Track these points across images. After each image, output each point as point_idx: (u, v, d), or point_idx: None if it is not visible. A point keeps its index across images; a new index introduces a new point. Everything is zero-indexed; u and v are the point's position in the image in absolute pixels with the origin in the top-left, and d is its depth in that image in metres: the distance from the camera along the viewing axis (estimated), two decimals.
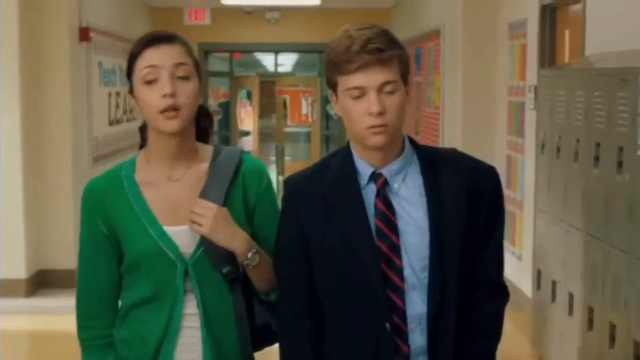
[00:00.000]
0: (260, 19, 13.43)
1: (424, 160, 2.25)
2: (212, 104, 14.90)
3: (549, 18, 6.46)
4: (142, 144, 2.41)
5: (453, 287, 2.18)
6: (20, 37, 7.34)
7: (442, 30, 8.84)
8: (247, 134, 15.36)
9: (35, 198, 7.59)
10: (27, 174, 7.45)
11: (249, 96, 15.65)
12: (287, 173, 12.84)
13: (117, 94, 9.66)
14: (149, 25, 12.32)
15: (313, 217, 2.22)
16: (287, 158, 15.81)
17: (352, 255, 2.18)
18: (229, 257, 2.30)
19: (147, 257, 2.29)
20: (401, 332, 2.18)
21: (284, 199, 2.31)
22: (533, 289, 5.64)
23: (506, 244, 6.88)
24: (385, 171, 2.22)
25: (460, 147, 2.55)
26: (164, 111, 2.25)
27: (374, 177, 2.22)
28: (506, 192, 6.99)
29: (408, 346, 2.18)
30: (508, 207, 6.48)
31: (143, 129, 2.39)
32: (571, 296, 4.75)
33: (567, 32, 6.24)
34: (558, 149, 5.06)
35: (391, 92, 2.15)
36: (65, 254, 7.60)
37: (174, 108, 2.25)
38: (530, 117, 6.53)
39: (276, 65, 16.51)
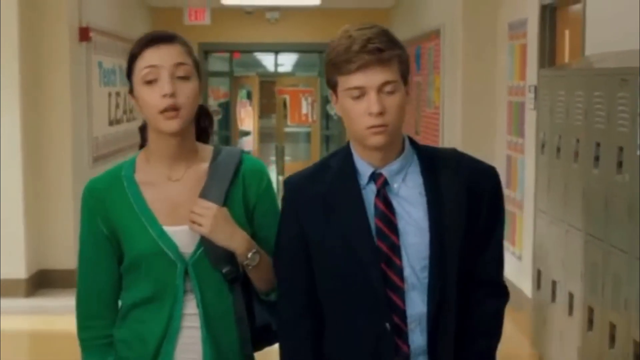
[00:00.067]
0: (260, 19, 13.42)
1: (424, 160, 2.25)
2: (212, 104, 14.90)
3: (549, 18, 6.46)
4: (142, 144, 2.41)
5: (453, 287, 2.18)
6: (20, 37, 7.34)
7: (442, 30, 8.84)
8: (247, 134, 15.35)
9: (35, 198, 7.59)
10: (27, 174, 7.45)
11: (249, 96, 15.64)
12: (287, 173, 12.83)
13: (117, 94, 9.65)
14: (149, 25, 12.32)
15: (313, 217, 2.22)
16: (287, 158, 15.80)
17: (352, 255, 2.18)
18: (229, 257, 2.30)
19: (147, 257, 2.29)
20: (401, 332, 2.17)
21: (284, 199, 2.31)
22: (533, 289, 5.64)
23: (506, 244, 6.88)
24: (385, 171, 2.22)
25: (460, 147, 2.54)
26: (164, 111, 2.25)
27: (374, 177, 2.22)
28: (506, 192, 6.98)
29: (408, 346, 2.18)
30: (508, 207, 6.48)
31: (143, 129, 2.39)
32: (571, 296, 4.75)
33: (567, 32, 6.23)
34: (558, 149, 5.06)
35: (391, 92, 2.15)
36: (65, 254, 7.59)
37: (174, 108, 2.25)
38: (530, 117, 6.53)
39: (276, 65, 16.51)
